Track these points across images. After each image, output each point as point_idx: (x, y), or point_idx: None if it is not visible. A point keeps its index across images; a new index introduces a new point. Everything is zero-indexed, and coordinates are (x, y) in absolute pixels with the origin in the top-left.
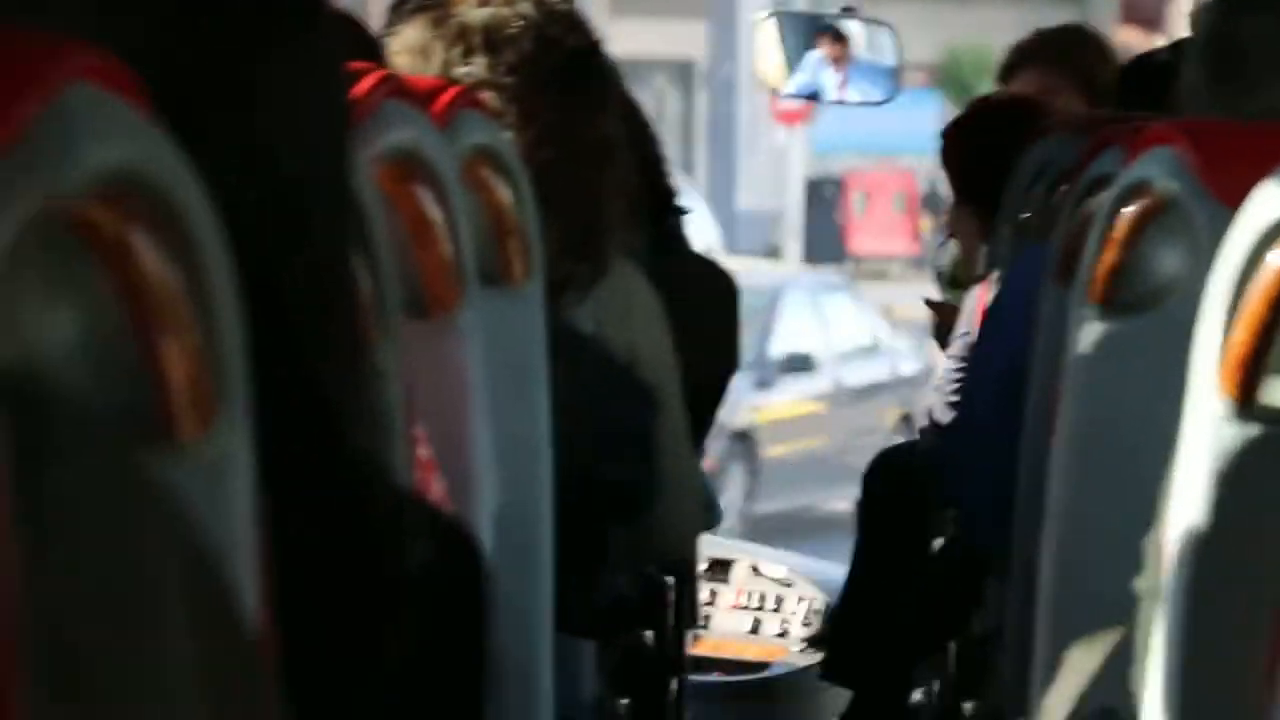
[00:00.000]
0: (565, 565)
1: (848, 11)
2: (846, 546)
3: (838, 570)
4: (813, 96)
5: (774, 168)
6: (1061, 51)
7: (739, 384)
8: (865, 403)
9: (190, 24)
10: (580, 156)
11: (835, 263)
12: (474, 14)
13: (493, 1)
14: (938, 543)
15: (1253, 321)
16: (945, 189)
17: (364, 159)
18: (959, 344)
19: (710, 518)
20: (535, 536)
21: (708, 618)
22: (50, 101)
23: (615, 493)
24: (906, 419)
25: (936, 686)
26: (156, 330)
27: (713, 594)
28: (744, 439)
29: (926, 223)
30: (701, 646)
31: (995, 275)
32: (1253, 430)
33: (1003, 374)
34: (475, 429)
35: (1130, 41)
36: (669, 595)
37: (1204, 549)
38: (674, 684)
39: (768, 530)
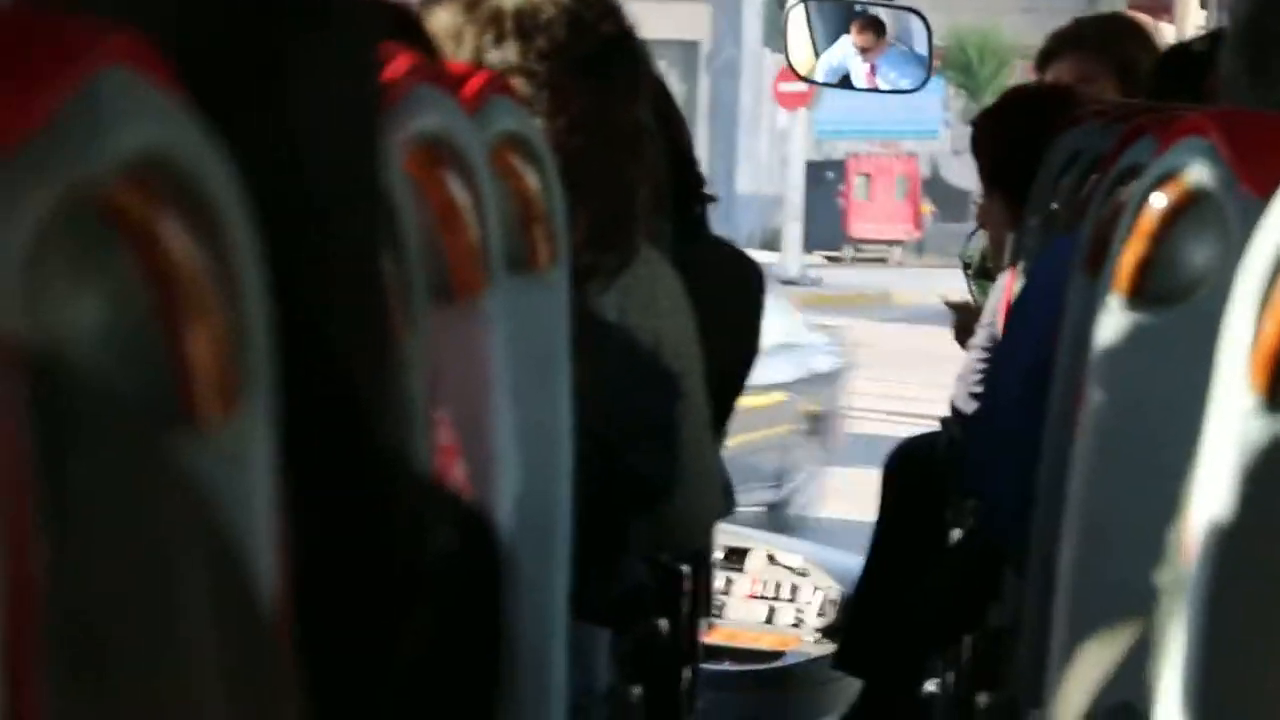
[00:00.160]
0: (585, 555)
1: None
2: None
3: (855, 560)
4: (842, 84)
5: (775, 151)
6: (1101, 39)
7: None
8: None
9: (221, 7)
10: (612, 143)
11: (834, 248)
12: None
13: None
14: (956, 534)
15: None
16: (947, 173)
17: (393, 143)
18: (983, 334)
19: (727, 505)
20: (553, 524)
21: (723, 606)
22: (82, 86)
23: (637, 483)
24: (816, 417)
25: (951, 678)
26: (182, 316)
27: (728, 582)
28: None
29: (927, 207)
30: (715, 635)
31: (1022, 266)
32: None
33: (1027, 366)
34: (498, 415)
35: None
36: (684, 584)
37: (1228, 545)
38: (687, 673)
39: None
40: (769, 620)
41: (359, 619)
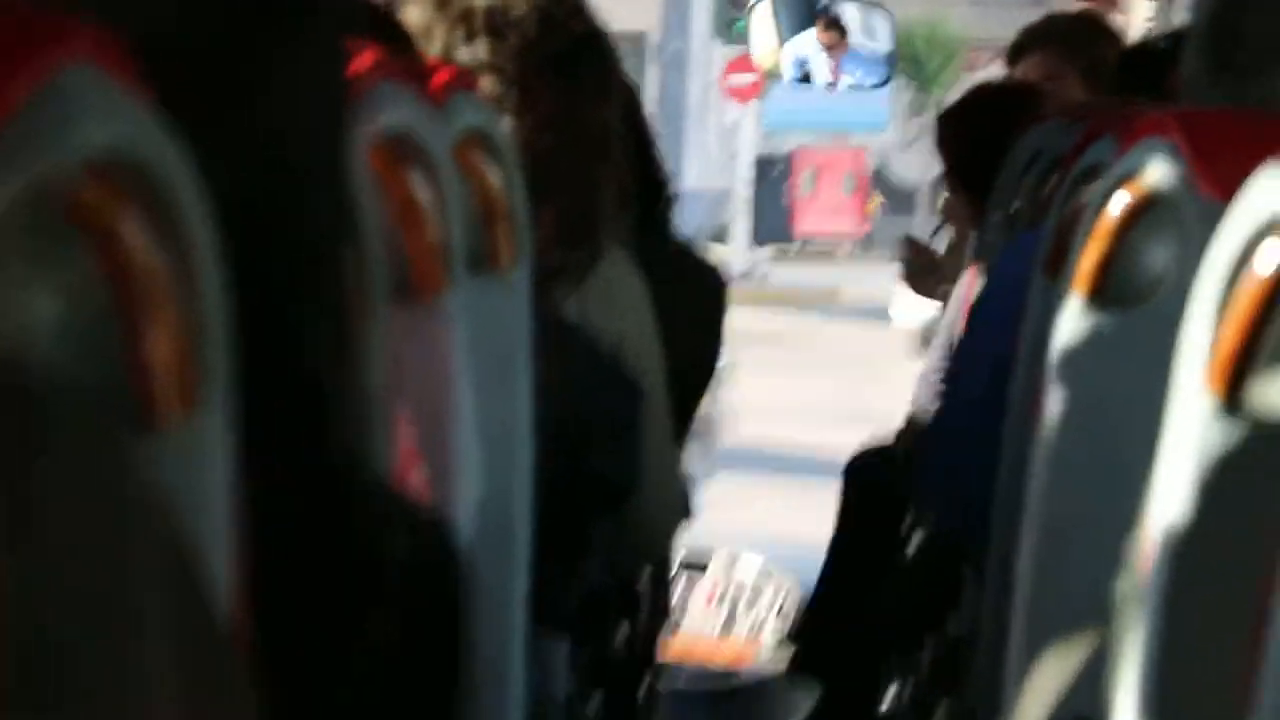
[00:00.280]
0: (546, 557)
1: None
2: None
3: (818, 564)
4: (805, 80)
5: (723, 145)
6: (1070, 37)
7: None
8: None
9: (187, 5)
10: (580, 143)
11: (781, 243)
12: None
13: None
14: (915, 539)
15: (1242, 319)
16: (896, 166)
17: (357, 140)
18: (945, 333)
19: (687, 511)
20: (512, 526)
21: (682, 611)
22: (45, 82)
23: (599, 484)
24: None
25: (909, 686)
26: (141, 313)
27: (688, 587)
28: None
29: (875, 201)
30: (672, 649)
31: (981, 266)
32: (1239, 430)
33: (990, 365)
34: (458, 416)
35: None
36: (644, 589)
37: (1186, 549)
38: (646, 679)
39: None
40: (728, 626)
41: (317, 620)
